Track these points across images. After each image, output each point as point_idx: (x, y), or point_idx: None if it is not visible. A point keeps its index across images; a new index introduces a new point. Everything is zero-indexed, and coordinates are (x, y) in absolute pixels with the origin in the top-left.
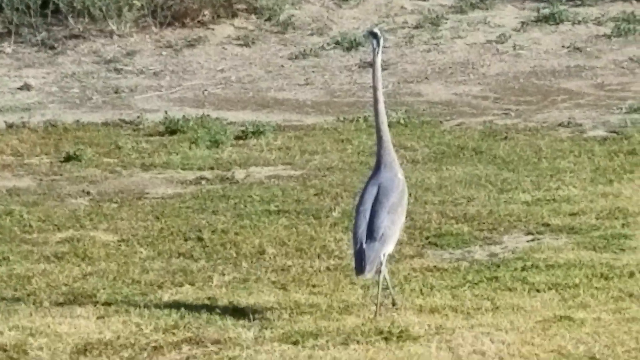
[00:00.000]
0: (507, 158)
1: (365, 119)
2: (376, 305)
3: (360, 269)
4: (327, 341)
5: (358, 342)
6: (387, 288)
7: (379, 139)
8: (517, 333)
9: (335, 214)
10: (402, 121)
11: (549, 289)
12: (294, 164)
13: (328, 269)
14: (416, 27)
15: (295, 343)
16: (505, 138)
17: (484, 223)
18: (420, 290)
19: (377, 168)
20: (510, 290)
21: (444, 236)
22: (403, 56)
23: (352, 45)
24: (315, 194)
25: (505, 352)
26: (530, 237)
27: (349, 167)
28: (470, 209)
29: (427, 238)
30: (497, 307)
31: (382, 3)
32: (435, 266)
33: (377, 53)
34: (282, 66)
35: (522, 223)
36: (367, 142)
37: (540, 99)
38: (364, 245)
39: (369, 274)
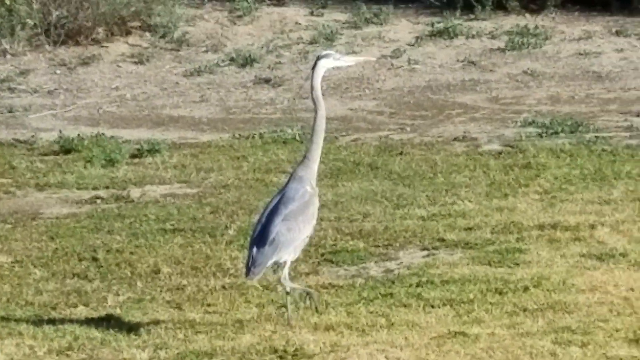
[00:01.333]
0: (402, 173)
1: (261, 136)
2: (287, 317)
3: (247, 272)
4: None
5: None
6: (288, 294)
7: (306, 156)
8: (412, 350)
9: (231, 231)
10: (297, 137)
11: (444, 304)
12: (189, 182)
13: (223, 287)
14: (311, 43)
15: None
16: (401, 153)
17: (380, 239)
18: (315, 307)
19: (288, 180)
20: (405, 306)
21: (339, 253)
22: (298, 72)
23: (246, 62)
24: (211, 212)
25: None
26: (425, 252)
27: (245, 184)
28: (365, 225)
29: (322, 255)
30: (392, 324)
31: (276, 19)
32: (330, 283)
33: (315, 75)
34: (177, 83)
35: (418, 238)
36: (263, 159)
37: (435, 114)
38: (254, 250)
39: (255, 277)
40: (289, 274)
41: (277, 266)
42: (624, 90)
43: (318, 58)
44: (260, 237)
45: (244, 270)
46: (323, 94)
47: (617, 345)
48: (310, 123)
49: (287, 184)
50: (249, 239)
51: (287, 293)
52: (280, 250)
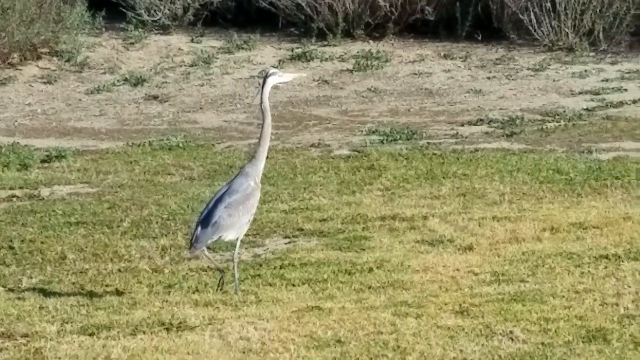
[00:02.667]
0: (267, 174)
1: (150, 144)
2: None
3: (190, 247)
4: (118, 332)
5: (144, 332)
6: (219, 269)
7: (254, 156)
8: (276, 321)
9: (125, 224)
10: (181, 145)
11: (303, 283)
12: (90, 183)
13: (119, 270)
14: (192, 66)
15: (91, 334)
16: (267, 157)
17: (249, 229)
18: (196, 287)
19: (237, 174)
20: (270, 285)
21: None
22: (181, 90)
23: (138, 82)
24: (109, 208)
25: (267, 338)
26: (287, 240)
27: (137, 184)
28: None
29: None
30: (260, 300)
31: (162, 46)
32: (208, 267)
33: (264, 88)
34: (80, 100)
35: (281, 228)
36: (152, 163)
37: (295, 124)
38: (198, 229)
39: (196, 252)
40: (238, 253)
41: (219, 243)
42: (451, 104)
43: (266, 76)
44: (205, 219)
45: (187, 245)
46: (201, 108)
47: (445, 316)
48: (191, 133)
49: (235, 177)
50: (195, 219)
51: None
52: (220, 231)
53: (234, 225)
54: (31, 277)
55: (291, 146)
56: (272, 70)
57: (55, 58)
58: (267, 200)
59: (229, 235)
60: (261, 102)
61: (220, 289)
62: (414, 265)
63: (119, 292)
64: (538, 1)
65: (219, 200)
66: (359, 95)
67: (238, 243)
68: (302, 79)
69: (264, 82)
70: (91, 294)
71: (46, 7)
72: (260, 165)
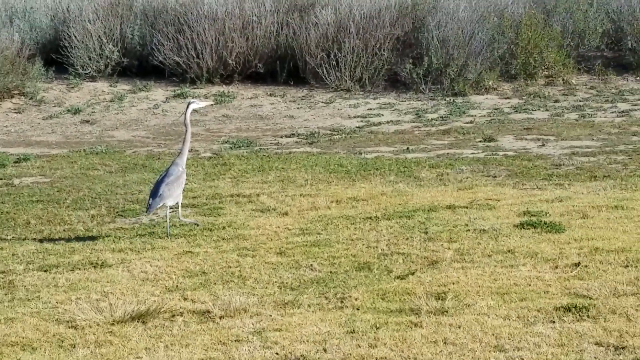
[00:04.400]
0: (159, 169)
1: (84, 151)
2: (166, 232)
3: (147, 210)
4: (62, 269)
5: (80, 269)
6: (169, 225)
7: (180, 152)
8: (164, 261)
9: (68, 201)
10: (104, 151)
11: (181, 237)
12: (46, 175)
13: (64, 231)
14: (110, 101)
15: (45, 271)
16: (159, 158)
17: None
18: (113, 240)
19: (170, 164)
20: (160, 238)
21: (126, 211)
22: (104, 116)
23: (77, 111)
24: (57, 191)
25: (158, 271)
26: (171, 210)
27: (76, 176)
28: (140, 196)
29: (117, 212)
30: (154, 247)
31: (92, 89)
32: (121, 227)
33: (187, 111)
34: (39, 123)
35: None
36: (86, 162)
37: (176, 138)
38: (150, 199)
39: (150, 213)
40: (181, 213)
41: (164, 208)
42: (274, 125)
43: (189, 103)
44: (154, 193)
45: (145, 209)
46: (117, 128)
47: (270, 256)
48: (111, 144)
49: (170, 166)
50: (149, 192)
51: (183, 224)
52: (163, 200)
53: (172, 195)
54: (7, 235)
55: (175, 151)
56: (192, 100)
57: (22, 97)
58: None
59: (169, 202)
60: (184, 121)
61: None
62: (251, 225)
63: (63, 244)
64: (327, 60)
65: (161, 181)
66: (216, 119)
67: (179, 207)
68: (209, 105)
69: (187, 107)
70: (45, 245)
71: (16, 64)
72: (184, 158)
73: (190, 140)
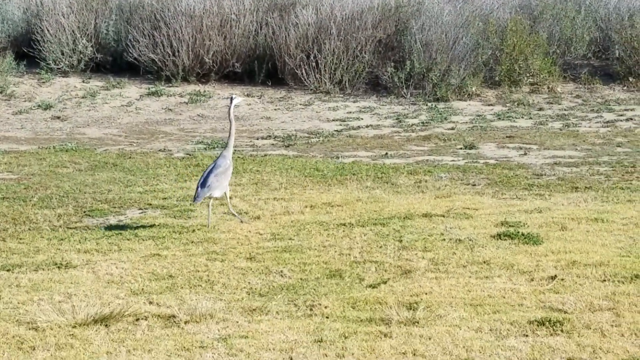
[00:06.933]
0: (130, 168)
1: (54, 147)
2: (207, 222)
3: (194, 199)
4: (26, 269)
5: (43, 269)
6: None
7: (227, 145)
8: (131, 263)
9: (35, 199)
10: (74, 148)
11: (149, 239)
12: (13, 172)
13: (29, 229)
14: (83, 97)
15: (9, 270)
16: (130, 157)
17: (116, 204)
18: (79, 240)
19: (218, 157)
20: (128, 240)
21: (94, 210)
22: (75, 113)
23: (47, 107)
24: (24, 188)
25: (124, 273)
26: (140, 211)
27: (44, 173)
28: (109, 196)
29: (84, 212)
30: (121, 249)
31: (64, 84)
32: (87, 226)
33: (231, 107)
34: (8, 119)
35: (137, 203)
36: (55, 160)
37: (149, 137)
38: (199, 189)
39: (198, 202)
40: (231, 203)
41: (210, 198)
42: (251, 126)
43: (231, 98)
44: (202, 182)
45: (192, 198)
46: (89, 125)
47: (240, 261)
48: (82, 141)
49: (218, 158)
50: (197, 181)
51: (233, 213)
52: (210, 190)
53: (220, 187)
54: None
55: (147, 151)
56: (234, 95)
57: None
58: (128, 185)
59: (215, 193)
60: (229, 115)
61: (241, 222)
62: (222, 228)
63: (27, 243)
64: (307, 61)
65: (210, 172)
66: (191, 119)
67: (228, 197)
68: (245, 100)
69: (231, 102)
70: (9, 244)
71: None
72: (230, 150)
73: (235, 133)
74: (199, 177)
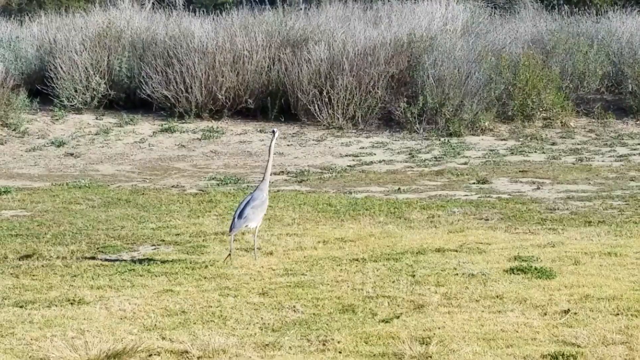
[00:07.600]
0: (143, 204)
1: (67, 184)
2: (254, 253)
3: (230, 230)
4: (39, 305)
5: (56, 305)
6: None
7: (264, 178)
8: (143, 299)
9: (48, 235)
10: (87, 185)
11: (162, 275)
12: (26, 209)
13: (42, 266)
14: (96, 134)
15: (21, 307)
16: (143, 194)
17: (129, 240)
18: (92, 277)
19: (255, 189)
20: (141, 276)
21: (107, 247)
22: (89, 150)
23: (60, 144)
24: (38, 225)
25: (136, 309)
26: (153, 247)
27: (57, 210)
28: (122, 232)
29: (97, 248)
30: (134, 285)
31: (77, 121)
32: (101, 263)
33: (273, 140)
34: (22, 155)
35: (150, 239)
36: (68, 196)
37: (162, 173)
38: (235, 220)
39: (234, 233)
40: (257, 236)
41: (247, 229)
42: (264, 162)
43: (274, 132)
44: (239, 213)
45: (228, 228)
46: (102, 162)
47: (253, 296)
48: (95, 177)
49: (254, 190)
50: (234, 213)
51: (255, 248)
52: (247, 222)
53: (255, 219)
54: None
55: (160, 187)
56: (275, 129)
57: (5, 128)
58: (141, 222)
59: (252, 225)
60: (269, 148)
61: (225, 262)
62: (235, 264)
63: (41, 280)
64: (320, 96)
65: (247, 204)
66: (204, 155)
67: (257, 230)
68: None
69: (274, 135)
70: (22, 281)
71: (0, 95)
72: (267, 184)
73: (272, 168)
74: (211, 213)
